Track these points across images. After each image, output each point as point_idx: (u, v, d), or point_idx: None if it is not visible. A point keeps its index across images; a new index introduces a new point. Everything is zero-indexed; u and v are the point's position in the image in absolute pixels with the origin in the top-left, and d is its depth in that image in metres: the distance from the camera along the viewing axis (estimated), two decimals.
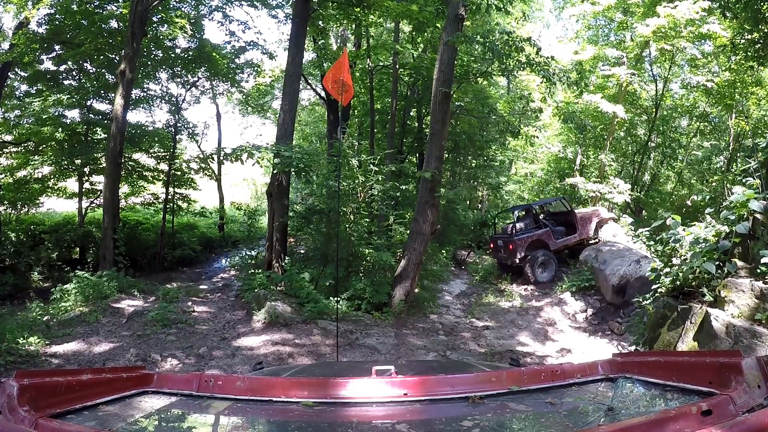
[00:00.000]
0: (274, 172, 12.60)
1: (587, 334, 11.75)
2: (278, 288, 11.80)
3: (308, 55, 23.98)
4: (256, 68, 22.31)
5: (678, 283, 6.78)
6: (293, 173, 12.51)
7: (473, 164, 22.12)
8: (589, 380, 2.12)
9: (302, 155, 11.91)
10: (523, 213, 17.51)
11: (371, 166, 11.67)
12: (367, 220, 12.50)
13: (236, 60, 20.93)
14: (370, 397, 1.93)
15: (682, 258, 6.90)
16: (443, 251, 16.88)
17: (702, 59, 21.63)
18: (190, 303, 12.32)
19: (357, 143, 13.64)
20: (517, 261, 15.83)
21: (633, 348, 8.67)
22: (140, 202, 20.98)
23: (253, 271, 12.91)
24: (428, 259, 13.51)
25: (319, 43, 19.24)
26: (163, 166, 20.14)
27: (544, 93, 14.14)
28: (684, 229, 6.96)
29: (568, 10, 21.55)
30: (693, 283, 6.52)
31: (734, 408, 1.36)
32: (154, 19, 17.80)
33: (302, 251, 15.46)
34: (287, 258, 12.63)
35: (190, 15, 18.92)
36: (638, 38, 19.21)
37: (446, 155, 20.03)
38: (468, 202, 24.24)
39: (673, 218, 7.26)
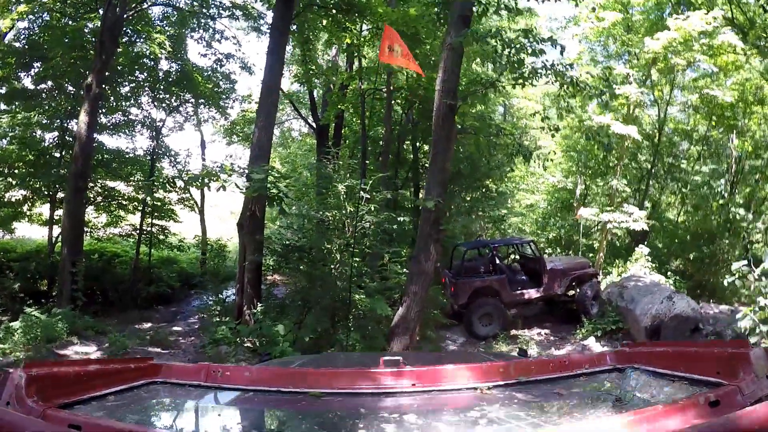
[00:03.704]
0: (247, 199, 9.59)
1: None
2: (246, 343, 8.70)
3: (294, 86, 21.21)
4: (244, 97, 19.86)
5: None
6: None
7: (471, 196, 18.51)
8: (597, 371, 2.00)
9: (277, 179, 8.84)
10: (482, 251, 13.91)
11: (361, 192, 8.49)
12: (357, 259, 9.30)
13: (220, 84, 18.17)
14: (378, 388, 1.83)
15: None
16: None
17: (707, 78, 19.18)
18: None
19: (342, 163, 10.45)
20: (456, 306, 12.35)
21: None
22: (118, 233, 17.77)
23: (218, 320, 9.80)
24: (430, 302, 10.38)
25: (306, 54, 16.04)
26: (141, 195, 17.00)
27: (563, 108, 10.97)
28: None
29: (571, 30, 18.77)
30: None
31: (742, 398, 1.28)
32: (129, 30, 15.05)
33: (280, 295, 12.09)
34: (260, 304, 9.53)
35: (169, 31, 16.07)
36: (647, 54, 16.41)
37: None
38: (463, 237, 21.02)
39: None
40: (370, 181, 8.71)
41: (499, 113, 24.24)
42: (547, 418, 1.65)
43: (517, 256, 14.69)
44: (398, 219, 9.91)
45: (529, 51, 8.65)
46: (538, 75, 9.26)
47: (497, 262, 13.04)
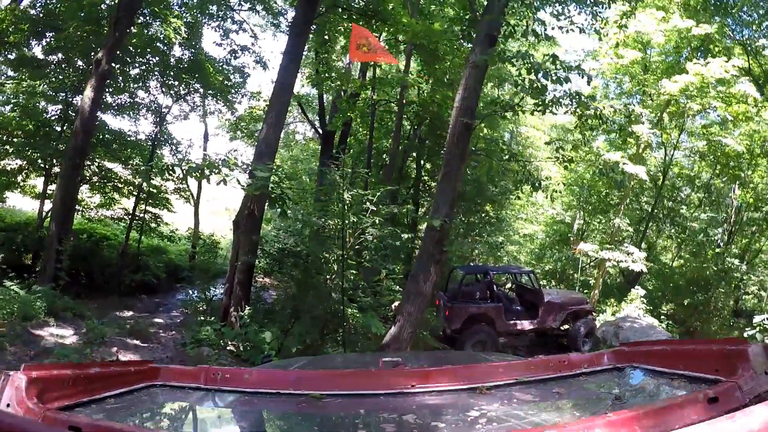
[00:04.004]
0: (246, 197, 9.12)
1: None
2: (230, 347, 8.20)
3: (304, 89, 20.80)
4: (254, 93, 19.33)
5: None
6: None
7: (469, 219, 17.84)
8: (597, 370, 1.96)
9: (282, 179, 8.39)
10: (479, 277, 13.40)
11: (367, 203, 8.03)
12: (354, 272, 8.83)
13: (231, 77, 17.74)
14: (378, 389, 1.79)
15: None
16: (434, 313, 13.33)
17: (716, 126, 18.98)
18: (115, 349, 8.67)
19: (350, 170, 9.98)
20: (450, 331, 11.86)
21: None
22: (110, 216, 17.18)
23: (202, 318, 9.28)
24: (423, 324, 9.94)
25: (321, 57, 15.55)
26: (138, 179, 16.44)
27: (576, 140, 10.61)
28: None
29: (589, 63, 18.54)
30: None
31: (741, 395, 1.26)
32: (147, 12, 14.64)
33: (269, 300, 11.41)
34: (248, 307, 9.04)
35: (186, 17, 15.66)
36: (662, 96, 16.16)
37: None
38: (455, 260, 20.53)
39: None
40: (378, 193, 8.28)
41: (506, 139, 23.95)
42: (547, 418, 1.66)
43: (514, 285, 14.29)
44: (401, 235, 9.38)
45: (554, 78, 8.30)
46: (560, 103, 8.94)
47: (494, 289, 12.66)
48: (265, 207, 9.92)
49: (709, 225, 21.79)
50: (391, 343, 8.37)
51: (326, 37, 13.05)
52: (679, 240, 22.39)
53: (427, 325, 10.52)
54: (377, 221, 8.43)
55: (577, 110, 9.20)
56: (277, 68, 10.39)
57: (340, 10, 11.70)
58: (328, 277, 8.59)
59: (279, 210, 8.16)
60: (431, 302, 11.51)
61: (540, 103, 8.87)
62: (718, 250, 20.41)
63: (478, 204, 15.91)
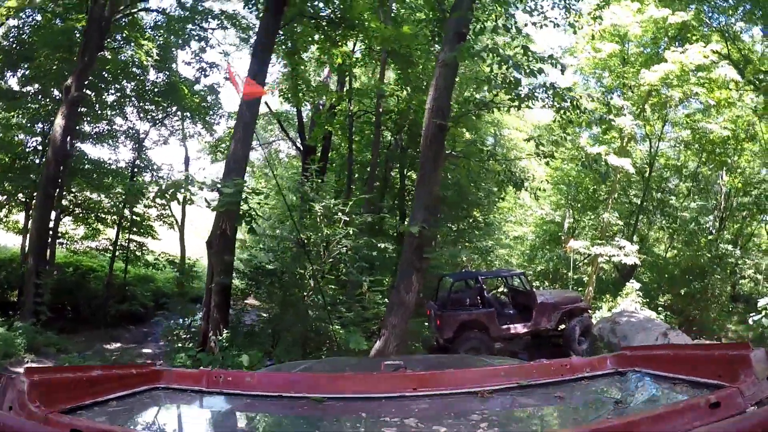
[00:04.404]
0: (218, 216, 8.63)
1: None
2: None
3: (285, 106, 20.38)
4: (231, 114, 18.58)
5: None
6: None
7: (458, 226, 17.10)
8: (599, 374, 1.92)
9: (250, 194, 7.89)
10: (470, 283, 12.79)
11: (339, 213, 7.54)
12: (333, 286, 8.34)
13: (208, 99, 17.27)
14: (379, 393, 1.76)
15: None
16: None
17: (699, 114, 18.60)
18: None
19: (321, 180, 9.49)
20: (442, 341, 11.24)
21: None
22: (95, 247, 16.68)
23: (180, 345, 8.78)
24: (411, 335, 9.47)
25: (296, 70, 15.13)
26: (119, 205, 15.99)
27: (558, 135, 10.15)
28: None
29: (566, 60, 18.17)
30: None
31: (743, 400, 1.23)
32: (119, 37, 14.24)
33: (249, 322, 10.57)
34: (226, 331, 8.52)
35: (159, 40, 15.28)
36: (642, 87, 15.81)
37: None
38: (448, 267, 20.00)
39: None
40: (350, 202, 7.80)
41: (489, 143, 23.54)
42: (548, 422, 1.66)
43: (506, 289, 13.79)
44: (378, 245, 8.81)
45: (527, 70, 7.89)
46: (536, 97, 8.53)
47: (485, 294, 12.11)
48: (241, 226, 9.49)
49: (699, 213, 21.50)
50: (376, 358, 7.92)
51: (296, 48, 12.53)
52: (670, 231, 22.02)
53: (417, 336, 10.04)
54: (351, 232, 7.94)
55: (554, 103, 8.79)
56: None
57: (305, 19, 11.25)
58: (305, 293, 8.08)
59: (247, 226, 7.66)
60: (420, 312, 11.08)
61: (515, 98, 8.45)
62: (710, 237, 20.05)
63: (465, 209, 15.33)
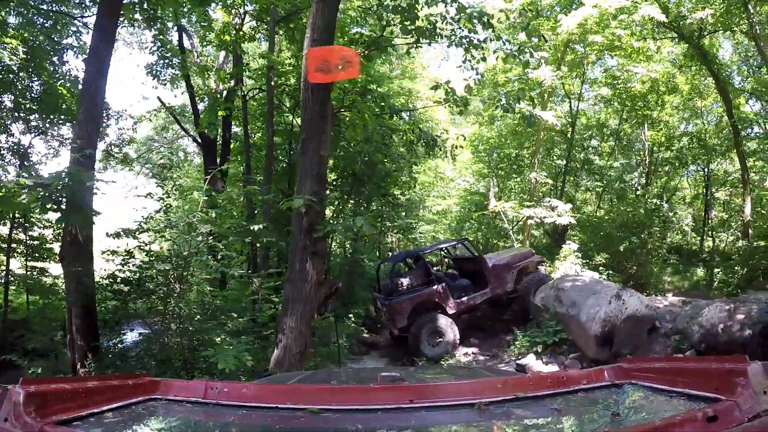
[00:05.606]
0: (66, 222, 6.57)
1: None
2: None
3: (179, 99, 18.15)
4: (118, 112, 16.31)
5: None
6: None
7: (375, 206, 14.82)
8: (595, 386, 1.85)
9: (72, 181, 5.76)
10: (411, 262, 11.78)
11: (195, 193, 5.73)
12: (211, 288, 6.50)
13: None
14: (376, 404, 1.70)
15: None
16: (351, 316, 11.11)
17: (616, 70, 17.87)
18: None
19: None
20: (396, 331, 10.16)
21: None
22: None
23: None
24: (325, 334, 7.74)
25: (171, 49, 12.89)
26: (6, 232, 13.22)
27: (471, 73, 8.54)
28: None
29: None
30: None
31: (740, 414, 1.20)
32: None
33: (121, 344, 8.59)
34: (90, 359, 6.53)
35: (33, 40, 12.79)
36: (561, 36, 14.74)
37: (346, 190, 14.26)
38: (377, 252, 18.39)
39: None
40: (209, 175, 5.98)
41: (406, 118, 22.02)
42: None
43: (451, 261, 12.65)
44: (254, 228, 6.79)
45: None
46: (437, 32, 6.96)
47: (432, 270, 10.87)
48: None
49: (624, 171, 21.18)
50: (276, 369, 6.18)
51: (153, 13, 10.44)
52: (598, 190, 21.63)
53: (332, 332, 8.33)
54: (214, 215, 6.09)
55: (462, 40, 7.29)
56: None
57: None
58: (173, 302, 6.21)
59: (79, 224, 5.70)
60: (359, 303, 9.48)
61: (414, 32, 6.85)
62: (638, 193, 19.63)
63: (382, 186, 13.66)
